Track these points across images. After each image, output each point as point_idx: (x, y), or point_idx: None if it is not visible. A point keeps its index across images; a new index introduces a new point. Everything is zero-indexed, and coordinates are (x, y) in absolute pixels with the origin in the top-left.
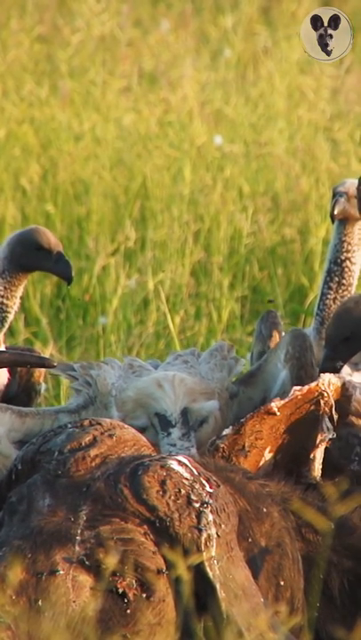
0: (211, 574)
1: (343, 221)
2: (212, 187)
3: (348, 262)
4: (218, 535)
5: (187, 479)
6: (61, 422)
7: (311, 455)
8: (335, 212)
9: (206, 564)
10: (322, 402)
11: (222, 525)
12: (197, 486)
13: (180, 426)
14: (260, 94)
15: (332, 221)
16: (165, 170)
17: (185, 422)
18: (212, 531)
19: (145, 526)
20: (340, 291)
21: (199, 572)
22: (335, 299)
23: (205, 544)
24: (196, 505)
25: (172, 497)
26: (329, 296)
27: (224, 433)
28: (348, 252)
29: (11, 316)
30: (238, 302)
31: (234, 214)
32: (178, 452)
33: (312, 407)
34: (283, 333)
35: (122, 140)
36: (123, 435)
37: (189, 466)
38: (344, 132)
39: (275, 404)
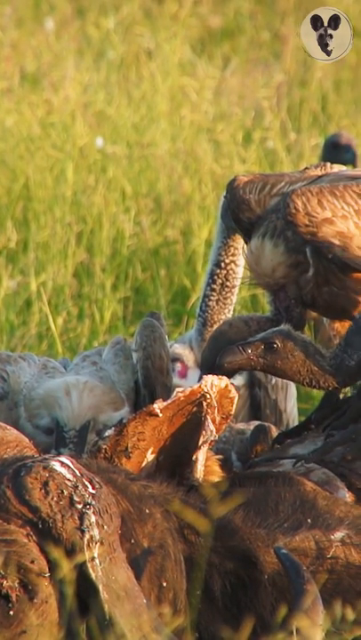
0: (93, 575)
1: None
2: (95, 188)
3: (232, 265)
4: (100, 536)
5: (69, 480)
6: None
7: (194, 457)
8: None
9: (89, 565)
10: (204, 403)
11: (105, 527)
12: (80, 487)
13: (73, 447)
14: (142, 95)
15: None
16: (48, 171)
17: (80, 442)
18: (95, 532)
19: (28, 527)
20: (224, 292)
21: (82, 573)
22: (218, 300)
23: (88, 545)
24: (79, 506)
25: (55, 498)
26: (212, 297)
27: (106, 434)
28: (233, 255)
29: None
30: (121, 303)
31: (116, 215)
32: None
33: (195, 409)
34: (165, 334)
35: (4, 141)
36: (5, 436)
37: (72, 467)
38: (226, 134)
39: (157, 406)
